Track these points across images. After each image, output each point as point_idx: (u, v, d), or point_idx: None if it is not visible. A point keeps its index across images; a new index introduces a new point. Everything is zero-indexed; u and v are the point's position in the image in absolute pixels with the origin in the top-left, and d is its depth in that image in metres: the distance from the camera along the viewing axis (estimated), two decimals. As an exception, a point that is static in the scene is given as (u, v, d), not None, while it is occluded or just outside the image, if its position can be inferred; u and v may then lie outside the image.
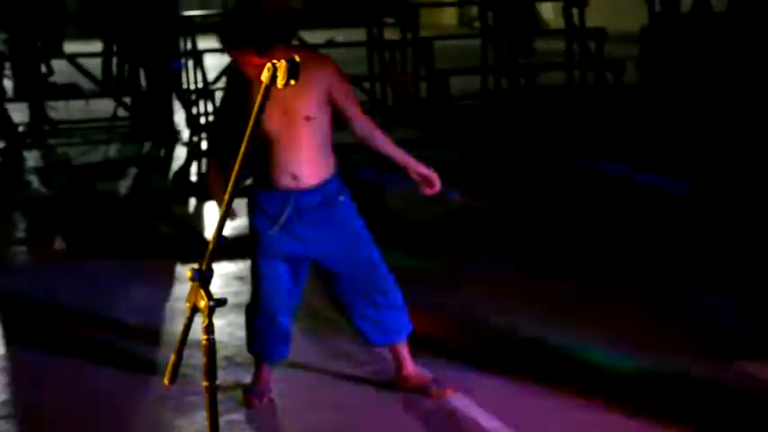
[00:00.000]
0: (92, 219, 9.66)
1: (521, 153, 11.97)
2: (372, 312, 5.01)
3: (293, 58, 2.29)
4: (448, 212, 9.11)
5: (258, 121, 2.35)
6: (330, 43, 16.52)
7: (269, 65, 2.28)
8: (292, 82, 2.27)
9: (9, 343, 6.31)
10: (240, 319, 5.96)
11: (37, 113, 14.20)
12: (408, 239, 8.26)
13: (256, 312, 5.03)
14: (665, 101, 13.78)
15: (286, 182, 4.77)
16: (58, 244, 9.16)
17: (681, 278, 6.98)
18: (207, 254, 2.52)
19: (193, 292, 2.52)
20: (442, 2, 28.49)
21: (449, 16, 34.79)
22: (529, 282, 7.05)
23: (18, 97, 14.23)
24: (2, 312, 6.92)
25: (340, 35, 19.37)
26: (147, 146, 13.43)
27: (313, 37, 16.58)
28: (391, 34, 16.22)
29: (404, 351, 5.16)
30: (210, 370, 2.53)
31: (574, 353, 5.68)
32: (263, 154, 4.72)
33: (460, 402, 5.08)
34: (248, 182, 5.06)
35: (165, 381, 2.65)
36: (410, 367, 5.18)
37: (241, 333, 5.95)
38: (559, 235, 8.34)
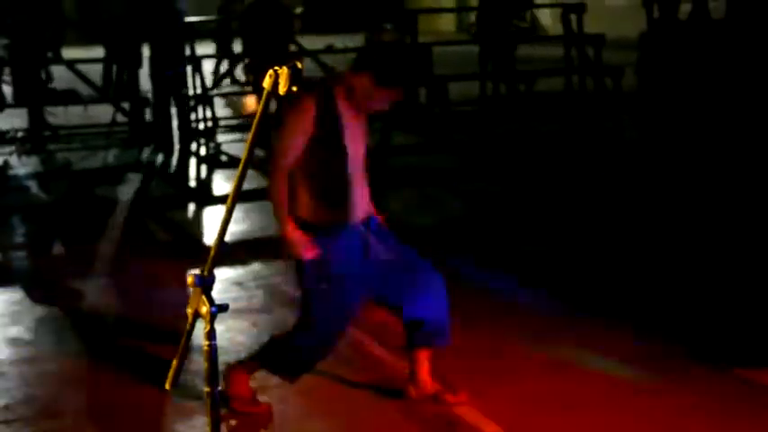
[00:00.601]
0: (90, 224, 9.65)
1: (518, 159, 11.96)
2: (421, 313, 5.02)
3: (295, 64, 2.30)
4: (447, 218, 9.14)
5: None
6: (329, 49, 16.53)
7: (271, 71, 2.29)
8: (294, 88, 2.28)
9: (12, 346, 6.31)
10: (240, 324, 5.99)
11: (36, 119, 14.20)
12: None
13: (315, 340, 5.00)
14: (664, 107, 13.78)
15: (361, 214, 4.94)
16: (57, 249, 9.16)
17: (679, 285, 6.99)
18: (209, 260, 2.52)
19: (195, 298, 2.52)
20: (441, 8, 28.53)
21: (447, 22, 34.79)
22: (526, 289, 7.06)
23: (17, 103, 14.22)
24: (2, 316, 6.92)
25: (339, 41, 19.37)
26: (146, 151, 13.44)
27: (312, 43, 16.59)
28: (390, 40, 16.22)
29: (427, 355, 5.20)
30: (212, 375, 2.53)
31: (574, 360, 5.68)
32: (337, 187, 4.80)
33: (461, 409, 5.09)
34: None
35: (167, 385, 2.66)
36: (427, 372, 5.20)
37: (241, 338, 5.98)
38: (556, 241, 8.35)
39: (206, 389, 2.55)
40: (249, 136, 2.40)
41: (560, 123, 14.34)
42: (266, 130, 2.18)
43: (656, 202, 9.45)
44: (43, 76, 14.37)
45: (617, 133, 13.55)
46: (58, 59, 15.32)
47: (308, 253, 4.75)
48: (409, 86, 4.93)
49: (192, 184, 11.98)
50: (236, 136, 14.52)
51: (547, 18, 26.80)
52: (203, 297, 2.50)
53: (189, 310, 2.54)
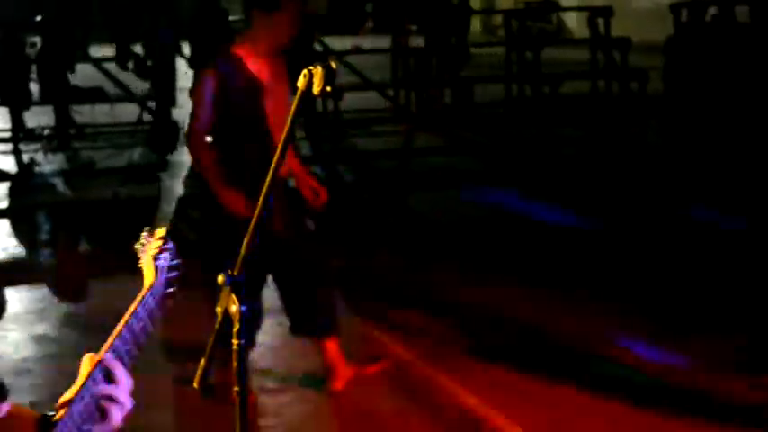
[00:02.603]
0: (116, 222, 9.67)
1: (541, 162, 11.91)
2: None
3: (329, 64, 2.29)
4: (468, 218, 9.14)
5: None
6: (355, 50, 16.52)
7: (305, 71, 2.28)
8: (328, 88, 2.27)
9: (37, 343, 6.34)
10: (265, 323, 5.98)
11: (62, 117, 14.25)
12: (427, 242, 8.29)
13: None
14: (691, 111, 13.71)
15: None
16: (82, 247, 9.20)
17: (696, 292, 6.94)
18: (239, 259, 2.51)
19: (225, 297, 2.51)
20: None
21: (473, 24, 34.73)
22: (541, 290, 7.04)
23: (44, 100, 14.28)
24: (23, 310, 6.94)
25: (365, 42, 19.38)
26: (172, 150, 13.46)
27: (338, 43, 16.61)
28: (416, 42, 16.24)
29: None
30: (240, 374, 2.52)
31: (588, 362, 5.66)
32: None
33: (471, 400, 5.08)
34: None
35: (195, 384, 2.65)
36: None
37: (265, 337, 5.97)
38: (572, 245, 8.31)
39: (235, 388, 2.54)
40: (282, 135, 2.39)
41: (585, 127, 14.28)
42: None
43: (677, 208, 9.40)
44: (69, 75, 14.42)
45: (642, 138, 13.48)
46: (86, 58, 15.37)
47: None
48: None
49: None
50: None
51: (573, 21, 26.72)
52: (233, 296, 2.49)
53: (218, 309, 2.53)
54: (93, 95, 14.87)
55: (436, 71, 15.80)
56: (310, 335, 5.31)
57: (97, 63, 15.04)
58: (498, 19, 23.65)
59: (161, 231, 2.34)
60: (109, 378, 1.98)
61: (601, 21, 16.09)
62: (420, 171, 11.64)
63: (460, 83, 15.29)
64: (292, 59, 4.93)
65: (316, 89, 2.29)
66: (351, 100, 14.74)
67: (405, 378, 5.57)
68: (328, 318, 5.23)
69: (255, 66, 4.98)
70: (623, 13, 18.54)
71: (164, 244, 2.32)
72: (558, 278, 7.37)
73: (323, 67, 2.29)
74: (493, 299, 6.91)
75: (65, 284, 7.75)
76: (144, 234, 2.38)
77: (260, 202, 2.43)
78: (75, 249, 9.01)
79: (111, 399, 1.95)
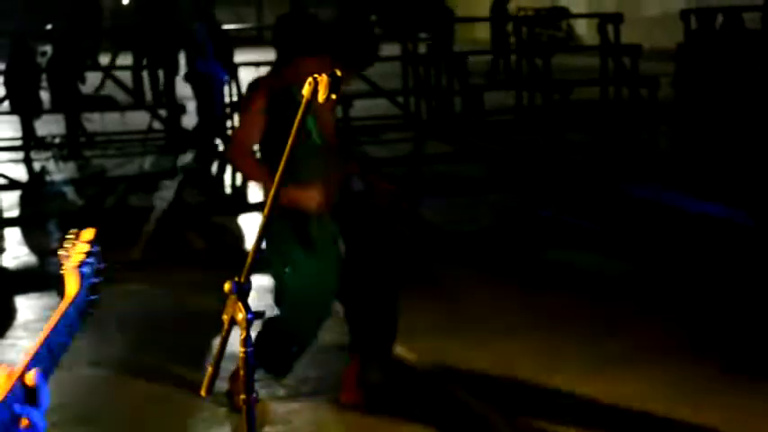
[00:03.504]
0: (126, 231, 9.70)
1: (550, 169, 11.90)
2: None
3: (335, 72, 2.30)
4: (478, 225, 9.14)
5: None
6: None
7: (310, 79, 2.28)
8: (333, 96, 2.28)
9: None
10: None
11: (73, 125, 14.30)
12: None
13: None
14: (701, 118, 13.70)
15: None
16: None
17: (717, 300, 6.92)
18: (246, 266, 2.51)
19: (231, 305, 2.51)
20: (476, 17, 28.51)
21: (483, 30, 34.79)
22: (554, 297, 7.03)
23: (54, 109, 14.33)
24: (33, 318, 6.95)
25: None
26: (182, 158, 13.48)
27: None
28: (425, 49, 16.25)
29: None
30: (248, 383, 2.52)
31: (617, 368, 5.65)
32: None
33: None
34: None
35: (202, 392, 2.65)
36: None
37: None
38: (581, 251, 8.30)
39: (241, 396, 2.54)
40: (288, 143, 2.39)
41: (595, 133, 14.27)
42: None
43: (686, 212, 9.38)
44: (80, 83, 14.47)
45: (652, 144, 13.46)
46: (96, 66, 15.42)
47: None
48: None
49: (228, 191, 12.00)
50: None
51: (583, 28, 26.74)
52: (239, 304, 2.49)
53: (225, 317, 2.53)
54: (104, 104, 14.93)
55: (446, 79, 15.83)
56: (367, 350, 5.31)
57: (107, 71, 15.07)
58: (510, 26, 23.63)
59: (87, 234, 2.23)
60: (27, 397, 1.74)
61: (611, 27, 16.09)
62: (430, 178, 11.64)
63: (470, 90, 15.29)
64: None
65: (321, 97, 2.29)
66: (362, 107, 14.78)
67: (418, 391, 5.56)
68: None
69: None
70: (633, 19, 18.53)
71: (90, 248, 2.18)
72: (563, 287, 7.35)
73: (328, 75, 2.30)
74: (503, 306, 6.91)
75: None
76: (69, 237, 2.21)
77: (266, 210, 2.44)
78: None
79: (27, 421, 1.71)
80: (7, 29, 17.49)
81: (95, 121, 14.81)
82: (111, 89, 16.10)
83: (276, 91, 4.84)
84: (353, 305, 5.17)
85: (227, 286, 2.50)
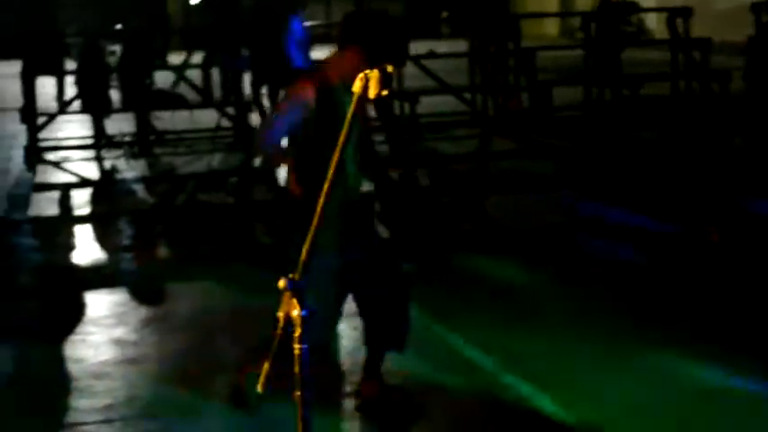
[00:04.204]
0: (195, 228, 9.80)
1: (618, 167, 11.78)
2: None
3: (385, 67, 2.29)
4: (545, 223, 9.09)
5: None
6: (431, 54, 16.51)
7: (362, 75, 2.28)
8: (385, 92, 2.27)
9: (116, 346, 6.42)
10: (342, 327, 6.00)
11: (143, 123, 14.46)
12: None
13: None
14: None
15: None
16: (162, 252, 9.31)
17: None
18: (300, 263, 2.52)
19: (286, 302, 2.52)
20: (544, 12, 28.36)
21: (551, 26, 34.58)
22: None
23: (125, 107, 14.50)
24: (104, 314, 7.04)
25: (442, 47, 19.36)
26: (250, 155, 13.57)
27: (414, 48, 16.59)
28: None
29: None
30: (303, 379, 2.53)
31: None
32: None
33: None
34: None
35: (259, 388, 2.67)
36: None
37: (344, 341, 6.00)
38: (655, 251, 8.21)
39: (297, 393, 2.55)
40: (340, 138, 2.39)
41: (665, 129, 14.10)
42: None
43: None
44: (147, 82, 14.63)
45: (724, 139, 13.26)
46: (165, 65, 15.58)
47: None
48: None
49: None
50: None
51: (653, 22, 26.46)
52: (294, 301, 2.51)
53: (280, 314, 2.55)
54: (174, 102, 15.08)
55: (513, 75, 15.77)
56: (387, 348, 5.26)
57: (177, 70, 15.22)
58: (577, 21, 23.45)
59: None
60: None
61: (680, 21, 15.89)
62: (497, 175, 11.60)
63: (539, 86, 15.20)
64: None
65: (371, 93, 2.29)
66: (428, 104, 14.76)
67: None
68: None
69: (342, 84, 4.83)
70: (704, 13, 18.29)
71: None
72: (637, 285, 7.29)
73: (380, 71, 2.29)
74: (565, 307, 6.88)
75: (144, 289, 7.86)
76: None
77: (319, 207, 2.44)
78: (154, 254, 9.13)
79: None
80: (78, 29, 17.75)
81: (165, 120, 14.95)
82: (181, 88, 16.25)
83: (322, 85, 4.82)
84: (366, 301, 5.13)
85: (281, 283, 2.52)
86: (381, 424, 5.16)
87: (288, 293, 2.52)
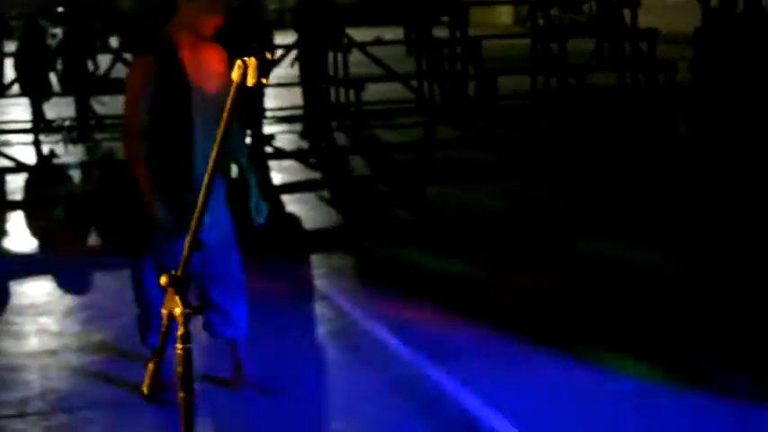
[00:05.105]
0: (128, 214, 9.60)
1: (561, 155, 11.73)
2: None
3: (264, 55, 2.18)
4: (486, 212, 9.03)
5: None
6: (378, 41, 16.42)
7: (239, 62, 2.17)
8: (264, 80, 2.16)
9: (37, 336, 6.27)
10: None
11: (83, 108, 14.22)
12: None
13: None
14: (718, 103, 13.50)
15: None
16: (95, 240, 9.14)
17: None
18: (184, 259, 2.40)
19: (169, 299, 2.41)
20: (494, 1, 28.32)
21: (505, 15, 34.57)
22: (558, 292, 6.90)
23: (65, 92, 14.26)
24: (28, 302, 6.89)
25: (388, 33, 19.26)
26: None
27: (361, 35, 16.48)
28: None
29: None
30: (186, 380, 2.41)
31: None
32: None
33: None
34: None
35: (144, 389, 2.56)
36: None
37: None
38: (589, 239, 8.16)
39: (180, 394, 2.43)
40: (219, 129, 2.27)
41: (610, 119, 14.09)
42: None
43: (705, 201, 9.23)
44: (90, 66, 14.38)
45: (668, 129, 13.28)
46: (106, 48, 15.34)
47: None
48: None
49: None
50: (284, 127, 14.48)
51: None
52: (177, 298, 2.39)
53: (164, 312, 2.43)
54: (115, 86, 14.84)
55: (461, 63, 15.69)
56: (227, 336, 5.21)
57: (118, 54, 15.00)
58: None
59: None
60: None
61: (627, 12, 15.89)
62: (441, 163, 11.52)
63: (485, 75, 15.14)
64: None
65: (250, 81, 2.17)
66: (374, 91, 14.66)
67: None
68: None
69: (188, 56, 4.69)
70: (656, 4, 18.29)
71: None
72: (573, 270, 7.23)
73: (257, 59, 2.18)
74: (506, 293, 6.80)
75: (72, 278, 7.69)
76: None
77: (200, 202, 2.32)
78: (87, 242, 8.95)
79: None
80: (19, 11, 17.47)
81: (107, 104, 14.72)
82: (121, 72, 16.01)
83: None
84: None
85: (163, 280, 2.40)
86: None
87: (171, 290, 2.40)
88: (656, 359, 5.52)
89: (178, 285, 2.39)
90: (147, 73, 4.61)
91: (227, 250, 5.01)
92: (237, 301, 5.09)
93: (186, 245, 2.40)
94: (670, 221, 8.57)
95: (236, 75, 2.20)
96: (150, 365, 2.54)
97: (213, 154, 2.27)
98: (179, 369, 2.43)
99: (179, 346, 2.40)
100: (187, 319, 2.38)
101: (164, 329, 2.45)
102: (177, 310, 2.38)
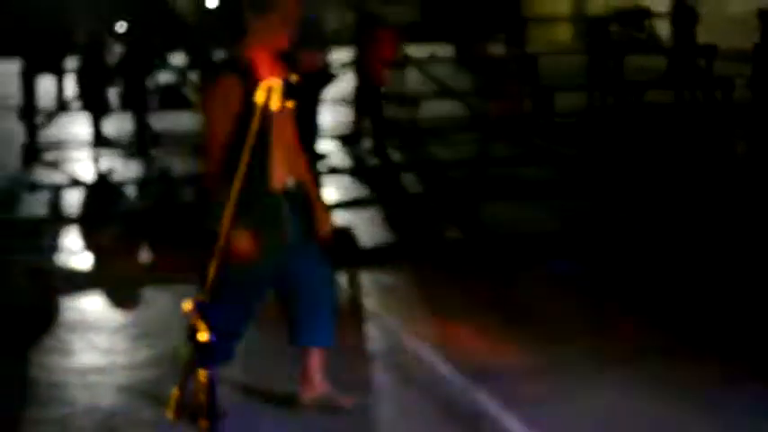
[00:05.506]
0: (186, 231, 9.64)
1: (616, 173, 11.59)
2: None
3: (289, 78, 2.14)
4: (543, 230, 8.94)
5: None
6: (432, 58, 16.39)
7: (264, 85, 2.13)
8: (289, 104, 2.12)
9: (85, 353, 6.29)
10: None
11: (141, 124, 14.32)
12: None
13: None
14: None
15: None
16: (146, 256, 9.16)
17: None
18: (208, 285, 2.37)
19: (195, 324, 2.37)
20: (553, 17, 28.20)
21: (564, 32, 34.40)
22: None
23: (124, 108, 14.37)
24: (82, 322, 6.91)
25: (441, 50, 19.22)
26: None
27: (416, 51, 16.45)
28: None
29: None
30: (211, 408, 2.37)
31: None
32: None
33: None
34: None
35: (168, 414, 2.52)
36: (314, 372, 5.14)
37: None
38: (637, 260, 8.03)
39: (203, 423, 2.39)
40: (244, 151, 2.24)
41: (667, 136, 13.92)
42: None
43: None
44: (149, 83, 14.50)
45: (726, 148, 13.08)
46: (165, 65, 15.48)
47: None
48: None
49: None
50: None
51: (664, 29, 26.26)
52: (201, 324, 2.35)
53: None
54: (174, 102, 14.96)
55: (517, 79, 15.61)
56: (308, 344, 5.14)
57: (181, 71, 15.11)
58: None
59: None
60: None
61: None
62: (495, 181, 11.44)
63: (541, 91, 15.05)
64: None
65: (274, 104, 2.14)
66: (429, 108, 14.62)
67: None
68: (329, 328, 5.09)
69: (266, 75, 4.59)
70: (714, 20, 18.08)
71: None
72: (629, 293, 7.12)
73: (283, 82, 2.14)
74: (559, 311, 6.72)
75: (125, 294, 7.70)
76: None
77: (226, 224, 2.29)
78: (137, 258, 8.97)
79: None
80: (80, 28, 17.65)
81: (166, 120, 14.81)
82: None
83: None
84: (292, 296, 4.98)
85: (187, 305, 2.36)
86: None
87: (195, 316, 2.37)
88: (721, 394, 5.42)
89: (203, 311, 2.35)
90: (232, 94, 4.55)
91: (312, 256, 4.97)
92: (322, 309, 5.02)
93: (211, 271, 2.36)
94: (729, 242, 8.43)
95: (260, 97, 2.17)
96: (175, 391, 2.50)
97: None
98: (201, 397, 2.39)
99: (202, 373, 2.36)
100: (211, 346, 2.34)
101: (188, 357, 2.41)
102: (203, 337, 2.35)
